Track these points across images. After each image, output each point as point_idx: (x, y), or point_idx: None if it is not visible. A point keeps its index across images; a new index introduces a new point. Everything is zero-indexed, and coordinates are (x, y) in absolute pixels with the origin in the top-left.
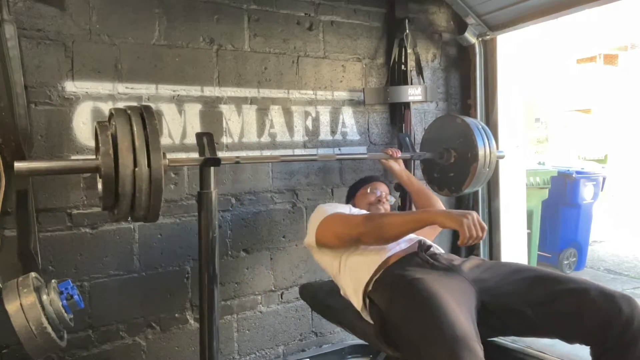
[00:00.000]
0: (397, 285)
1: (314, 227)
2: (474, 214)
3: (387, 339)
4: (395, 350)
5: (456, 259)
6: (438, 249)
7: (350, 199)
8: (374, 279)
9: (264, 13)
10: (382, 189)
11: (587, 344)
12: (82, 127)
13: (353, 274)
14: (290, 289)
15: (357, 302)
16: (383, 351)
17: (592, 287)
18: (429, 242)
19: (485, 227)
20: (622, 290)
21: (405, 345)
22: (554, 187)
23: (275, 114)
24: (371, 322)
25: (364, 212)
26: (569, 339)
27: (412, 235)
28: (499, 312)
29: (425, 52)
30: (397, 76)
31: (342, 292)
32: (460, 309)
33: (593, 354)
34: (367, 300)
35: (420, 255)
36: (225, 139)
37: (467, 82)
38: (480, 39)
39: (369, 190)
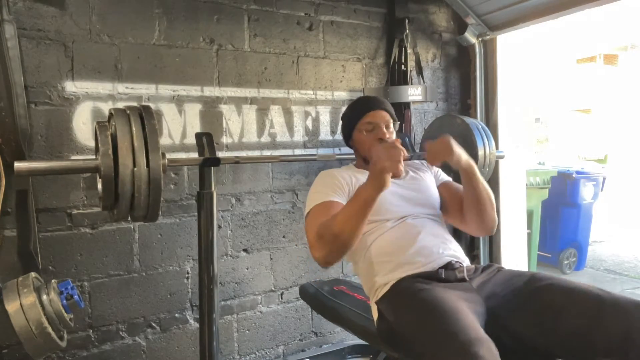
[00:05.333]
0: (402, 298)
1: (307, 207)
2: (380, 145)
3: (391, 343)
4: (396, 351)
5: (470, 270)
6: (459, 260)
7: (347, 139)
8: (383, 294)
9: (264, 13)
10: (380, 119)
11: None
12: (82, 127)
13: (366, 279)
14: (290, 289)
15: (372, 305)
16: (383, 351)
17: (606, 298)
18: (452, 259)
19: (395, 143)
20: (622, 291)
21: (417, 356)
22: (554, 187)
23: (275, 114)
24: (376, 325)
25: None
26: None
27: (432, 250)
28: (510, 335)
29: (425, 52)
30: (397, 76)
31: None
32: (470, 312)
33: None
34: (377, 308)
35: (436, 272)
36: (225, 139)
37: (467, 82)
38: (480, 39)
39: (364, 132)
